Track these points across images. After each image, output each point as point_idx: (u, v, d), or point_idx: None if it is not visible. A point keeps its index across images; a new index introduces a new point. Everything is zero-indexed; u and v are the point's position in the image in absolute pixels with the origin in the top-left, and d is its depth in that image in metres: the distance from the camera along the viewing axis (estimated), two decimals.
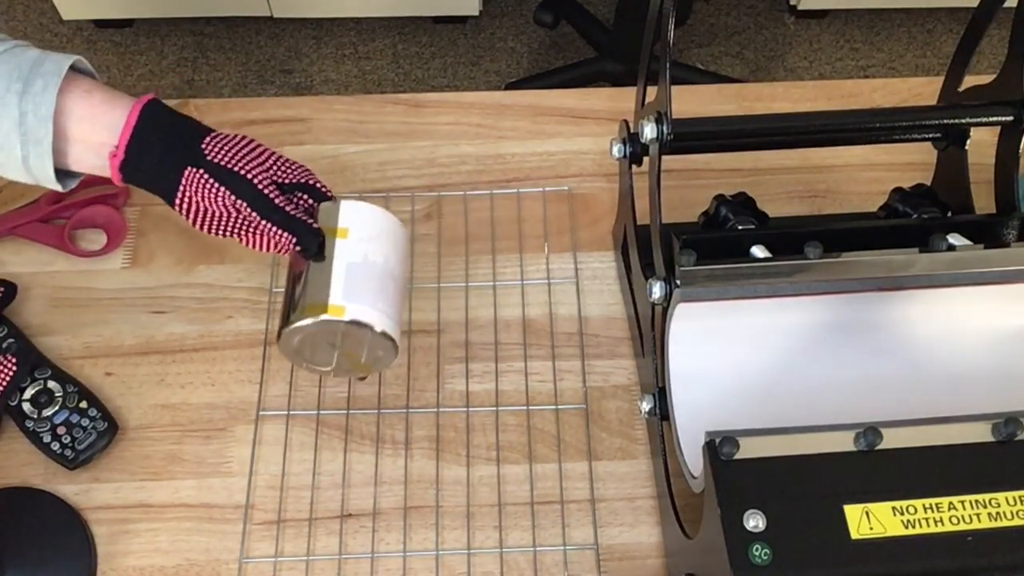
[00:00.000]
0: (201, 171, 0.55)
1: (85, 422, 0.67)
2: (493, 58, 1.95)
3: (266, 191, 0.56)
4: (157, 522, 0.65)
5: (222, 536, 0.65)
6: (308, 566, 0.64)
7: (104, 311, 0.74)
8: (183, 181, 0.55)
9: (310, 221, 0.57)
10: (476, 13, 1.91)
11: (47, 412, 0.67)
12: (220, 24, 1.96)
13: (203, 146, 0.56)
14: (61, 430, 0.67)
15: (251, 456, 0.68)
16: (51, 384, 0.68)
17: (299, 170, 0.59)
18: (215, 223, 0.57)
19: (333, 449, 0.68)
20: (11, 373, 0.68)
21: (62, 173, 0.58)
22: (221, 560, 0.64)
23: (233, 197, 0.55)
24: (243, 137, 0.58)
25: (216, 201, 0.56)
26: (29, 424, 0.67)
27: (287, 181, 0.58)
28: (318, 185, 0.59)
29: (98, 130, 0.55)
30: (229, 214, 0.56)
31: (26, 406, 0.67)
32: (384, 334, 0.57)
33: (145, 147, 0.55)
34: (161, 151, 0.55)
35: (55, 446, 0.66)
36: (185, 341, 0.72)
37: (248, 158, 0.57)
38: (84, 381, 0.69)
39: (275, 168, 0.58)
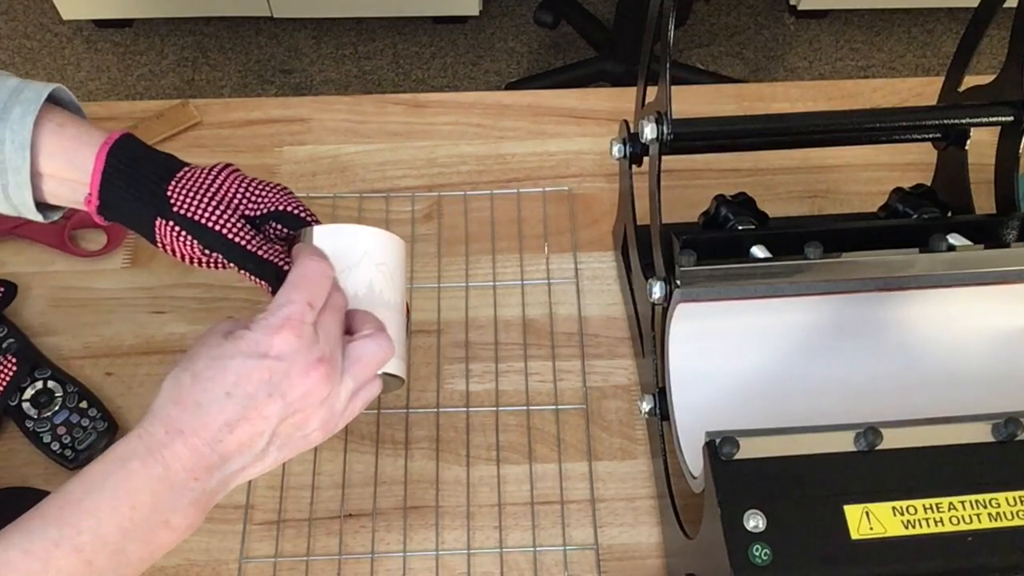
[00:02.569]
0: (171, 223, 0.54)
1: (85, 422, 0.67)
2: (493, 58, 1.95)
3: (236, 238, 0.54)
4: None
5: (222, 536, 0.65)
6: (308, 566, 0.64)
7: (104, 311, 0.74)
8: (156, 231, 0.55)
9: (281, 263, 0.55)
10: (476, 13, 1.91)
11: (47, 412, 0.67)
12: (220, 24, 1.96)
13: (169, 194, 0.54)
14: (61, 430, 0.67)
15: None
16: (51, 384, 0.68)
17: (271, 197, 0.56)
18: (197, 264, 0.56)
19: (333, 449, 0.68)
20: (11, 373, 0.68)
21: (43, 205, 0.57)
22: (221, 560, 0.64)
23: (205, 248, 0.54)
24: (208, 173, 0.55)
25: (190, 250, 0.55)
26: (29, 424, 0.67)
27: (258, 213, 0.56)
28: (290, 210, 0.56)
29: (68, 168, 0.54)
30: (206, 258, 0.55)
31: (26, 406, 0.67)
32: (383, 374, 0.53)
33: (117, 194, 0.54)
34: (131, 199, 0.54)
35: (55, 446, 0.66)
36: (185, 341, 0.72)
37: (214, 202, 0.54)
38: (84, 381, 0.69)
39: (244, 202, 0.56)
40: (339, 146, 0.83)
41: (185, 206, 0.54)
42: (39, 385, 0.68)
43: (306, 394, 0.46)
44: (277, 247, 0.56)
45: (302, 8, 1.86)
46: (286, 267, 0.55)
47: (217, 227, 0.54)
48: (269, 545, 0.64)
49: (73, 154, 0.54)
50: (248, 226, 0.55)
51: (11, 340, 0.70)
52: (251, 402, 0.45)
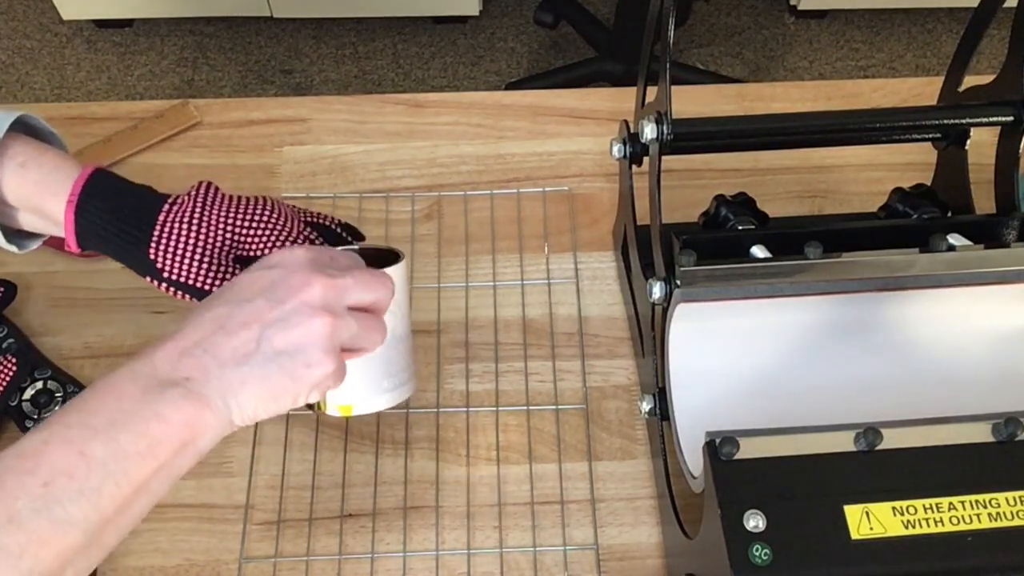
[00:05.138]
0: (162, 285, 0.54)
1: None
2: (493, 58, 1.95)
3: None
4: (157, 522, 0.65)
5: (222, 536, 0.65)
6: (308, 566, 0.64)
7: (104, 311, 0.74)
8: (150, 282, 0.54)
9: None
10: (476, 13, 1.91)
11: (47, 412, 0.67)
12: (220, 24, 1.96)
13: (153, 258, 0.53)
14: None
15: (251, 456, 0.68)
16: (51, 384, 0.68)
17: (259, 235, 0.55)
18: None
19: (333, 449, 0.68)
20: (11, 373, 0.68)
21: (21, 233, 0.56)
22: (221, 560, 0.64)
23: (198, 301, 0.54)
24: (191, 219, 0.53)
25: (185, 299, 0.54)
26: (29, 424, 0.67)
27: (249, 254, 0.55)
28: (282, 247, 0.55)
29: (37, 213, 0.53)
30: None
31: (26, 406, 0.67)
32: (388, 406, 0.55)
33: (98, 249, 0.53)
34: (115, 256, 0.54)
35: None
36: None
37: (205, 262, 0.53)
38: (84, 381, 0.69)
39: (234, 242, 0.54)
40: (339, 146, 0.83)
41: (175, 271, 0.53)
42: (39, 385, 0.68)
43: (303, 299, 0.44)
44: None
45: (302, 8, 1.86)
46: None
47: (207, 287, 0.53)
48: (269, 545, 0.64)
49: (38, 201, 0.52)
50: (241, 268, 0.54)
51: (11, 340, 0.70)
52: (245, 304, 0.44)
